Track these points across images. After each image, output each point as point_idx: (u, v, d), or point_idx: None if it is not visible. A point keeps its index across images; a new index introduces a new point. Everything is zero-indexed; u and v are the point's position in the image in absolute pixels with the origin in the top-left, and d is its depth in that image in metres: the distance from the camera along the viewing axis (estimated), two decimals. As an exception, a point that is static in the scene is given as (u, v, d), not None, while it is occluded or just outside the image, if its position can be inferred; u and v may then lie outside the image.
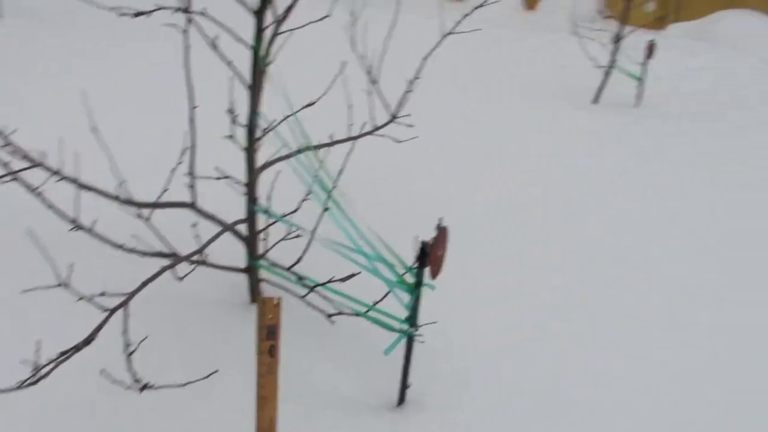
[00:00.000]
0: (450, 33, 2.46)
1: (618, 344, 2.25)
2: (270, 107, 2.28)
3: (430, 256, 1.59)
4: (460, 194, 3.26)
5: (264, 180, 2.21)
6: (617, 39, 4.73)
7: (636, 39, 5.20)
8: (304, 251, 2.14)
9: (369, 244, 1.84)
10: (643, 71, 4.74)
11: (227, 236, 2.13)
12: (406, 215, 2.97)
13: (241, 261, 2.25)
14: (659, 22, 7.43)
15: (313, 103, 2.19)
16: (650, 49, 4.67)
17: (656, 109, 4.74)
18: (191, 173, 2.06)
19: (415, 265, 1.73)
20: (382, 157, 3.22)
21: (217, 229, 2.12)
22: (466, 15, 2.46)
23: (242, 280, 2.30)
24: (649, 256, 2.84)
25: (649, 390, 2.04)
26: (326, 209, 1.91)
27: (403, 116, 2.45)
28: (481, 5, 2.39)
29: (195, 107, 1.99)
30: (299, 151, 2.22)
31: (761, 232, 3.08)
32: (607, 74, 4.80)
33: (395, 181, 3.34)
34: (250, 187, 2.18)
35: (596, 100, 4.83)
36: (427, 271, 1.66)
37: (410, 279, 1.76)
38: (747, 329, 2.38)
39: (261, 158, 2.16)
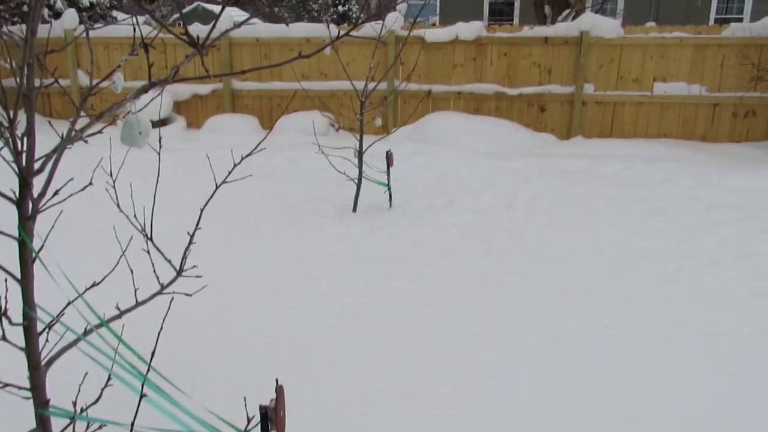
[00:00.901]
0: (224, 182, 2.52)
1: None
2: (47, 295, 2.05)
3: (274, 420, 1.56)
4: (259, 337, 3.23)
5: (59, 374, 1.95)
6: (360, 154, 5.23)
7: (372, 148, 5.79)
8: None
9: (199, 422, 1.73)
10: (388, 177, 5.28)
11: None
12: (221, 375, 2.87)
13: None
14: (384, 129, 8.40)
15: (99, 283, 2.02)
16: (389, 158, 5.24)
17: (405, 208, 5.28)
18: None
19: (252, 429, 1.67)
20: (174, 315, 3.06)
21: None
22: (235, 165, 2.55)
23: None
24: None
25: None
26: (143, 395, 1.75)
27: (189, 269, 2.39)
28: (241, 160, 2.48)
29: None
30: (87, 333, 2.01)
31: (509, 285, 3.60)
32: (358, 185, 5.24)
33: (199, 340, 3.20)
34: (36, 390, 1.90)
35: (354, 209, 5.22)
36: (272, 435, 1.61)
37: (252, 446, 1.69)
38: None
39: (47, 352, 1.91)
